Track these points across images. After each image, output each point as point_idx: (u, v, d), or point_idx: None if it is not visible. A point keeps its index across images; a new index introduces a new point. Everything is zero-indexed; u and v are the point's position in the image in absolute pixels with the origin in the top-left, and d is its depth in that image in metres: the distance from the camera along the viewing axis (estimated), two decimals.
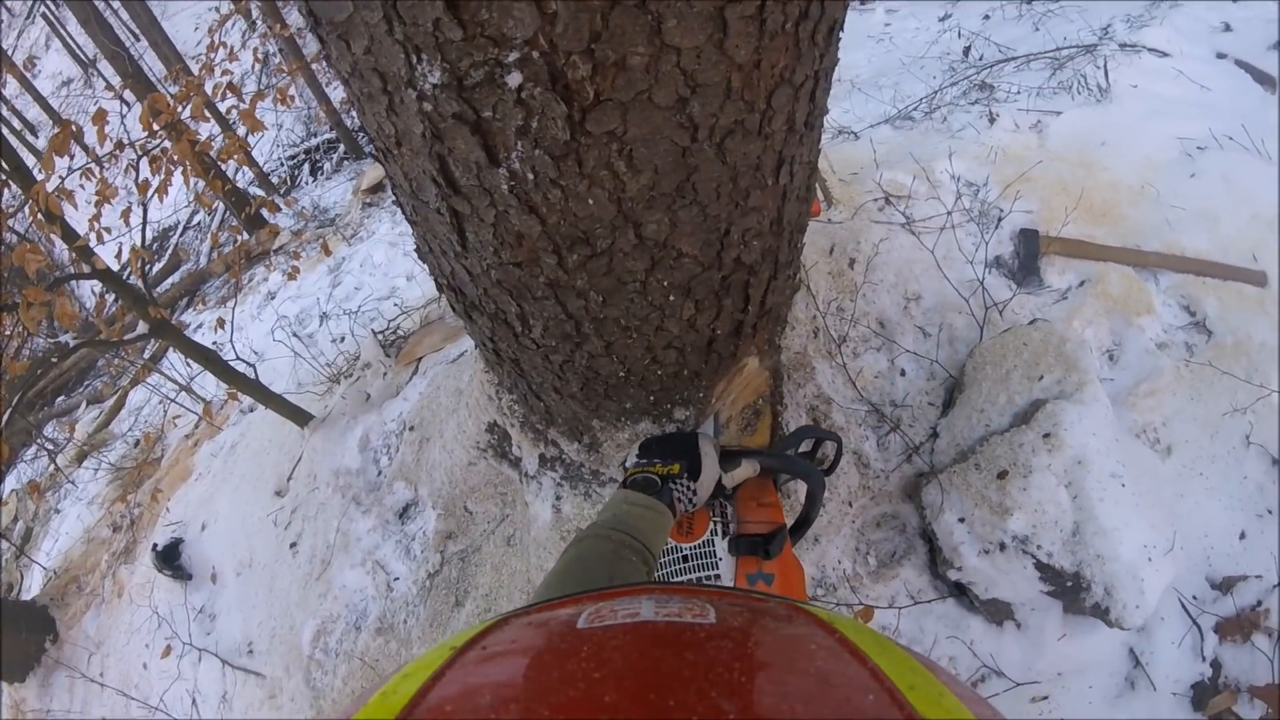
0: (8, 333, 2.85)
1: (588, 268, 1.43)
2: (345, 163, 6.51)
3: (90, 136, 3.28)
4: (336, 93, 6.94)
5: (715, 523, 1.61)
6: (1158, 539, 2.25)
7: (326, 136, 6.62)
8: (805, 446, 1.90)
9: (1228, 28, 4.14)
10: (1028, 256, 3.06)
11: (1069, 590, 2.27)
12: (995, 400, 2.49)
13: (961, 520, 2.36)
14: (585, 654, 0.53)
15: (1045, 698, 2.46)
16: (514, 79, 1.04)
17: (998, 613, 2.44)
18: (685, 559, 1.61)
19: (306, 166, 6.58)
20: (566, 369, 1.83)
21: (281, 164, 6.80)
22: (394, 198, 1.60)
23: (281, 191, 6.45)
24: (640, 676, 0.50)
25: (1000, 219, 3.17)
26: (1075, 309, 2.93)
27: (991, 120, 3.72)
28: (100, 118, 2.87)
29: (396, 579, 3.03)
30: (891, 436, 2.64)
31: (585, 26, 0.99)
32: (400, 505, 3.21)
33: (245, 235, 5.56)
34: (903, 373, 2.75)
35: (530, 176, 1.21)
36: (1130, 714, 2.44)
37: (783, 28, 1.14)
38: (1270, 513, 2.68)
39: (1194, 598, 2.57)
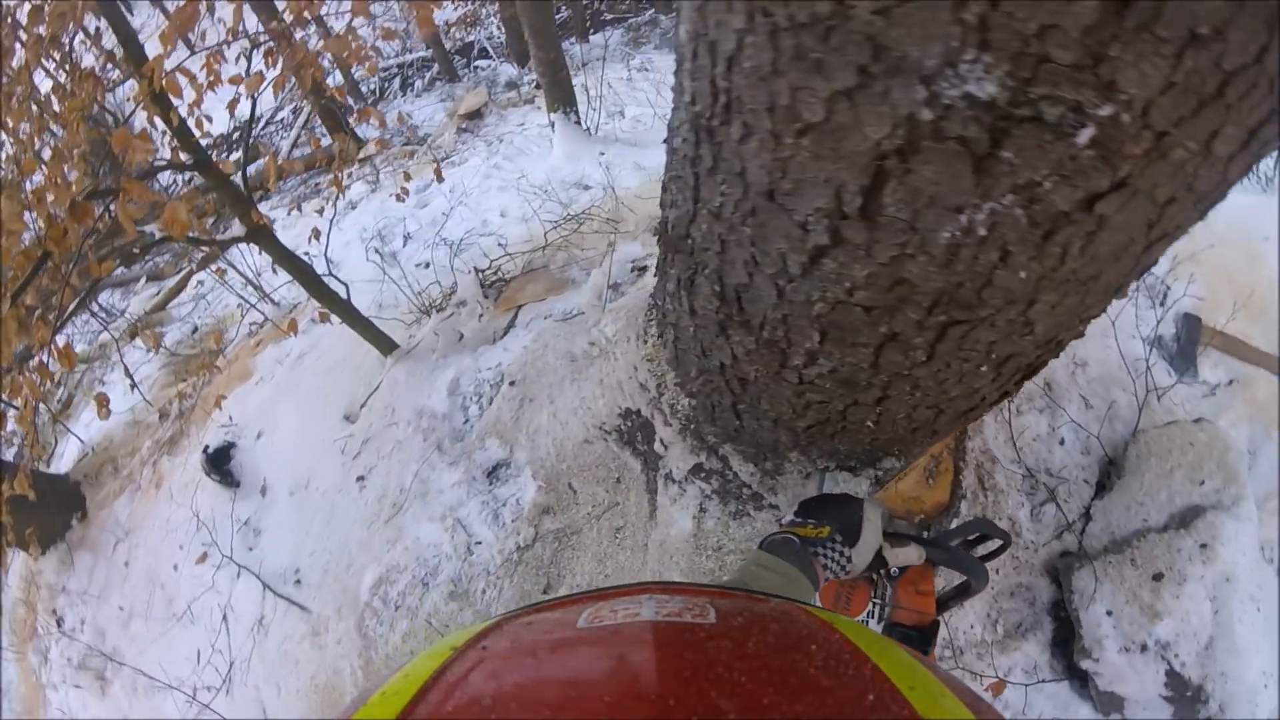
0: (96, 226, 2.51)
1: (948, 333, 1.22)
2: (437, 83, 6.15)
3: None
4: (439, 13, 6.58)
5: (875, 604, 1.48)
6: (1273, 666, 2.24)
7: (421, 54, 6.23)
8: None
9: None
10: (1188, 343, 2.91)
11: (1186, 700, 2.23)
12: (1156, 495, 2.41)
13: (1109, 614, 2.29)
14: (585, 654, 0.55)
15: None
16: (1085, 135, 0.80)
17: (1109, 704, 2.38)
18: None
19: (398, 80, 6.20)
20: (810, 409, 1.63)
21: (375, 74, 6.43)
22: (681, 199, 1.32)
23: (370, 102, 6.07)
24: (640, 676, 0.49)
25: (1166, 295, 3.03)
26: (1222, 408, 2.83)
27: None
28: None
29: (479, 543, 2.81)
30: (1046, 507, 2.52)
31: (1191, 103, 0.76)
32: (490, 464, 2.97)
33: (327, 141, 5.19)
34: (1062, 441, 2.62)
35: (982, 233, 0.97)
36: None
37: None
38: None
39: None
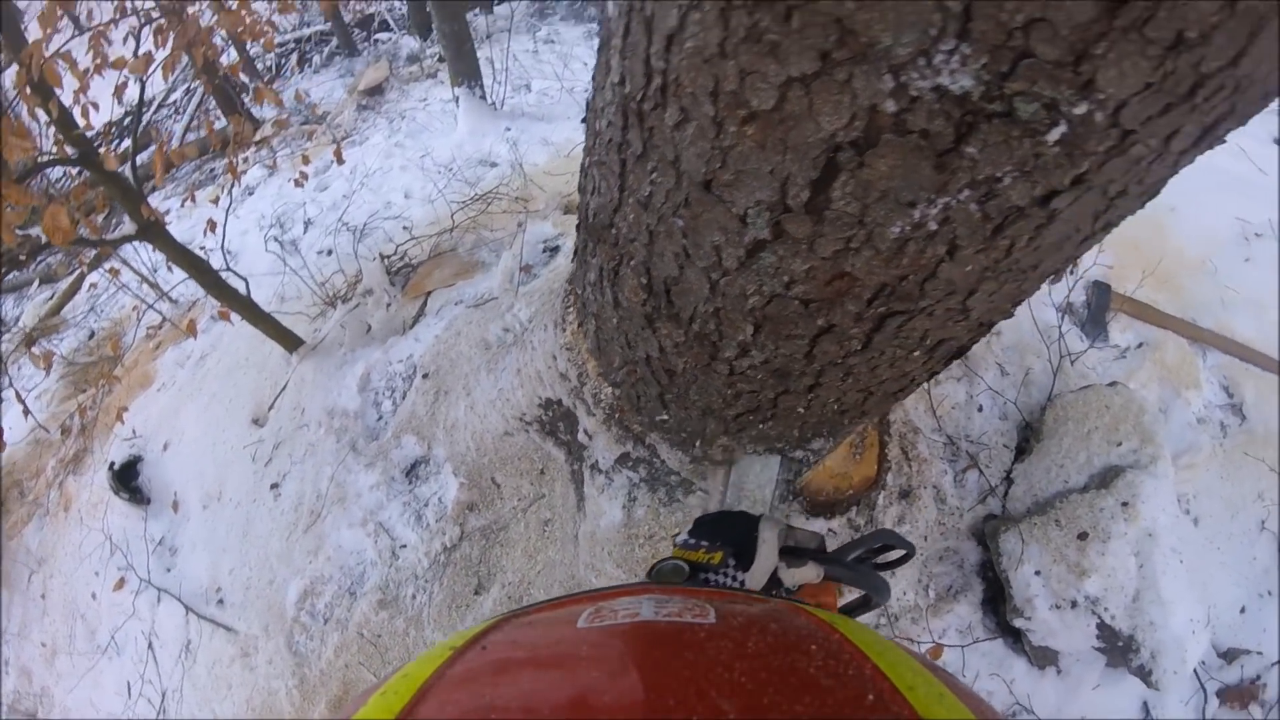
0: None
1: (886, 324, 1.12)
2: (336, 57, 5.66)
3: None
4: None
5: None
6: (1199, 613, 2.30)
7: (319, 28, 5.73)
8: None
9: None
10: (1098, 309, 2.92)
11: (1118, 649, 2.27)
12: (1075, 457, 2.43)
13: (1038, 573, 2.30)
14: (585, 654, 0.52)
15: None
16: (1056, 133, 0.71)
17: (1043, 658, 2.42)
18: None
19: (295, 56, 5.69)
20: (741, 399, 1.50)
21: (267, 50, 5.86)
22: (605, 166, 1.21)
23: (266, 79, 5.56)
24: (640, 677, 0.47)
25: (1075, 265, 2.99)
26: (1133, 370, 2.83)
27: None
28: None
29: (404, 546, 2.59)
30: (969, 473, 2.48)
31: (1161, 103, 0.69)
32: (408, 462, 2.74)
33: (220, 123, 4.72)
34: (980, 408, 2.59)
35: (933, 227, 0.87)
36: None
37: None
38: (1270, 594, 2.74)
39: (1203, 663, 2.61)
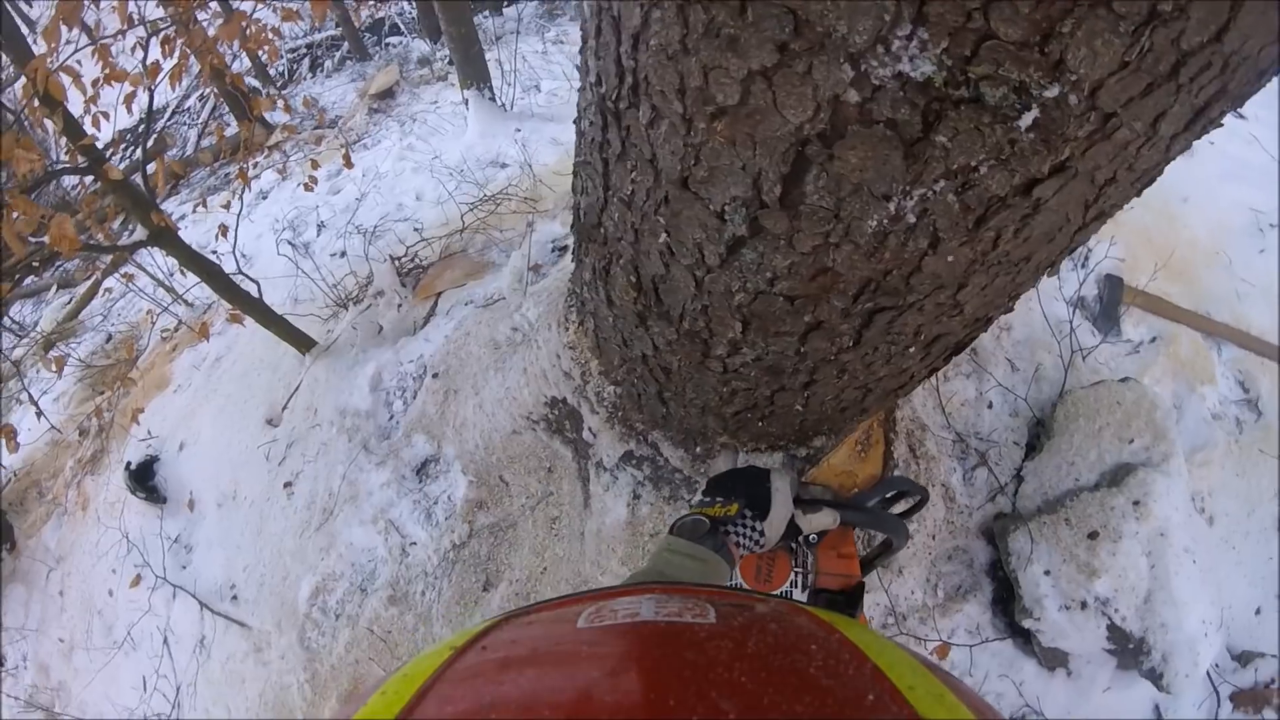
0: None
1: (875, 319, 1.09)
2: (348, 62, 5.72)
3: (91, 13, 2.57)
4: None
5: (796, 573, 1.40)
6: (1212, 614, 2.25)
7: (330, 33, 5.78)
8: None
9: None
10: (1110, 303, 2.85)
11: (1129, 651, 2.23)
12: (1086, 455, 2.36)
13: (1048, 573, 2.24)
14: (585, 654, 0.52)
15: None
16: (1028, 118, 0.68)
17: (1053, 660, 2.37)
18: None
19: (307, 61, 5.75)
20: (737, 396, 1.49)
21: (280, 56, 5.92)
22: (596, 153, 1.19)
23: (279, 85, 5.61)
24: (640, 676, 0.47)
25: (1087, 258, 2.93)
26: (1146, 365, 2.77)
27: None
28: None
29: (414, 544, 2.60)
30: (978, 471, 2.43)
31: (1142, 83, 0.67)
32: (419, 461, 2.76)
33: (231, 129, 4.76)
34: (990, 405, 2.53)
35: (911, 220, 0.85)
36: None
37: None
38: None
39: (1216, 665, 2.56)
